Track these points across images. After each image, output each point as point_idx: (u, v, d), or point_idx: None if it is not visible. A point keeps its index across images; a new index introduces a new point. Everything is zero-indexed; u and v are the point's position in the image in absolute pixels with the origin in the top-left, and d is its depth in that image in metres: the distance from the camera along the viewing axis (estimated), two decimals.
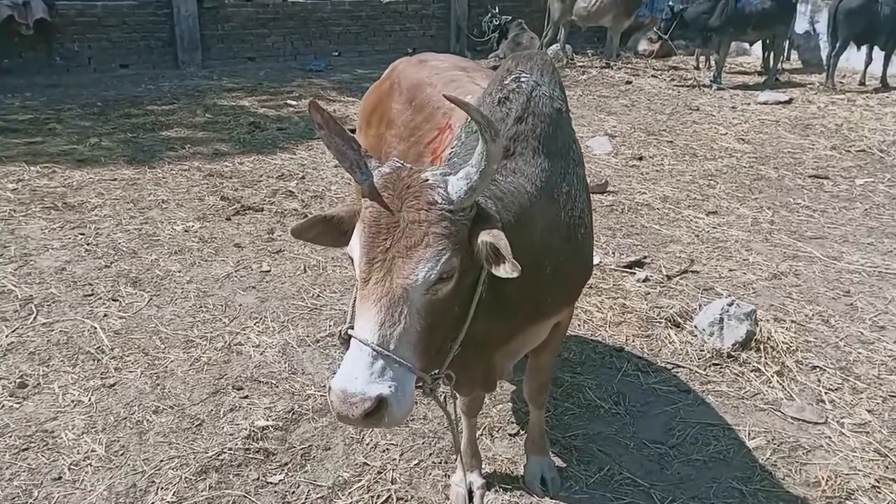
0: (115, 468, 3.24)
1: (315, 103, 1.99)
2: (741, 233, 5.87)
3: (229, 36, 12.80)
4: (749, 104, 10.68)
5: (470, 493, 3.06)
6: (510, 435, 3.48)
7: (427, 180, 1.95)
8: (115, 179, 6.86)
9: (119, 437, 3.43)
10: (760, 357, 4.04)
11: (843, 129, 9.11)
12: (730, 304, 4.18)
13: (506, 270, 1.90)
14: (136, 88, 10.82)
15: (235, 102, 10.13)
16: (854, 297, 4.76)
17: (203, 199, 6.43)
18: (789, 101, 10.67)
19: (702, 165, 7.71)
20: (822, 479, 3.18)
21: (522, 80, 2.55)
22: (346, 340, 1.97)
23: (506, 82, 2.57)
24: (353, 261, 2.00)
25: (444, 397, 2.37)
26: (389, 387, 1.85)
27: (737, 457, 3.34)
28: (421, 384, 2.05)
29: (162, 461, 3.28)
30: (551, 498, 3.09)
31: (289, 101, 10.19)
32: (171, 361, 4.02)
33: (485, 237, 1.94)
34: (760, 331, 4.16)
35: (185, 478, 3.18)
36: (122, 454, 3.33)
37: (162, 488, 3.13)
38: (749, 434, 3.49)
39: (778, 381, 3.86)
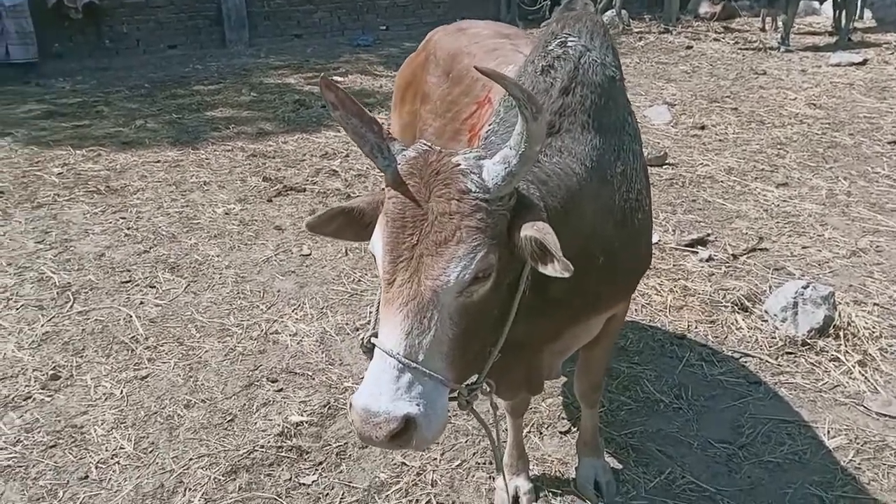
0: (143, 466, 3.09)
1: (327, 80, 1.72)
2: (815, 206, 5.42)
3: (276, 13, 12.63)
4: (820, 66, 10.03)
5: (516, 499, 2.81)
6: (561, 433, 3.21)
7: (458, 165, 1.68)
8: (158, 161, 6.76)
9: (149, 433, 3.27)
10: (840, 345, 3.66)
11: None
12: (805, 287, 3.80)
13: (555, 270, 1.63)
14: (184, 69, 10.75)
15: (281, 80, 9.96)
16: None
17: (245, 181, 6.27)
18: (863, 63, 9.98)
19: (770, 133, 7.21)
20: None
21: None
22: (369, 349, 1.73)
23: (550, 48, 2.26)
24: (375, 259, 1.76)
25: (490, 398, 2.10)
26: (418, 405, 1.61)
27: (815, 458, 3.00)
28: (456, 396, 1.79)
29: (191, 459, 3.11)
30: None
31: (335, 78, 9.97)
32: (206, 351, 3.86)
33: (528, 231, 1.67)
34: (839, 315, 3.77)
35: (215, 478, 3.00)
36: (151, 451, 3.17)
37: (190, 489, 2.96)
38: (828, 432, 3.14)
39: (860, 372, 3.48)
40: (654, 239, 4.88)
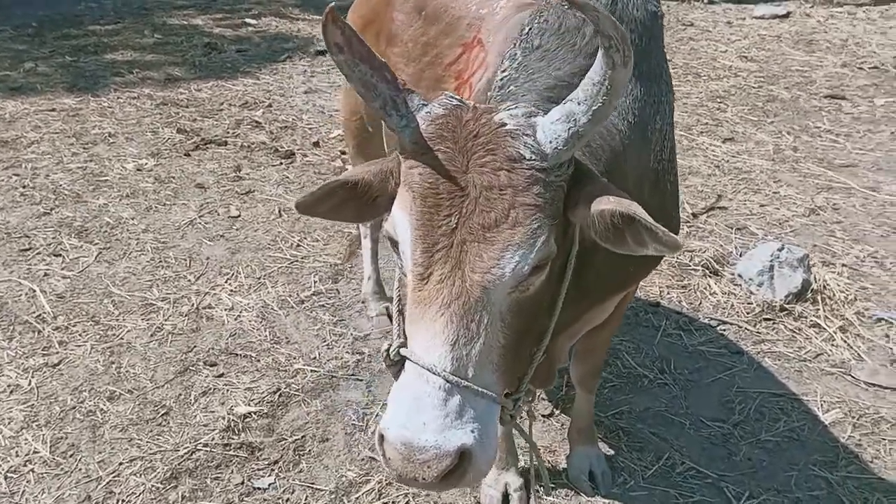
0: (63, 475, 2.62)
1: (334, 13, 1.31)
2: (765, 161, 5.29)
3: None
4: (745, 19, 9.96)
5: (506, 496, 2.51)
6: (544, 416, 2.92)
7: (504, 125, 1.32)
8: (53, 110, 5.99)
9: (67, 434, 2.79)
10: (818, 310, 3.51)
11: (849, 45, 8.48)
12: (780, 249, 3.63)
13: (655, 248, 1.31)
14: (76, 6, 9.68)
15: (187, 21, 9.11)
16: None
17: (157, 132, 5.63)
18: (787, 15, 9.97)
19: (707, 86, 7.05)
20: None
21: None
22: (396, 362, 1.37)
23: None
24: (396, 245, 1.38)
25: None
26: (472, 431, 1.27)
27: (812, 435, 2.83)
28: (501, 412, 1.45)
29: (121, 464, 2.67)
30: (603, 497, 2.56)
31: (247, 20, 9.20)
32: (128, 331, 3.36)
33: (608, 206, 1.33)
34: (815, 279, 3.62)
35: (152, 486, 2.57)
36: (71, 455, 2.71)
37: (122, 500, 2.53)
38: (821, 405, 2.98)
39: (842, 339, 3.34)
40: None
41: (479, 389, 1.29)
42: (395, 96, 1.37)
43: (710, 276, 3.80)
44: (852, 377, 3.12)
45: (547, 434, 2.84)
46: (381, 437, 1.29)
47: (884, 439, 2.80)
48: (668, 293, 3.69)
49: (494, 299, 1.31)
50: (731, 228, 4.33)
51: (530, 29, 1.80)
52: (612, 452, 2.74)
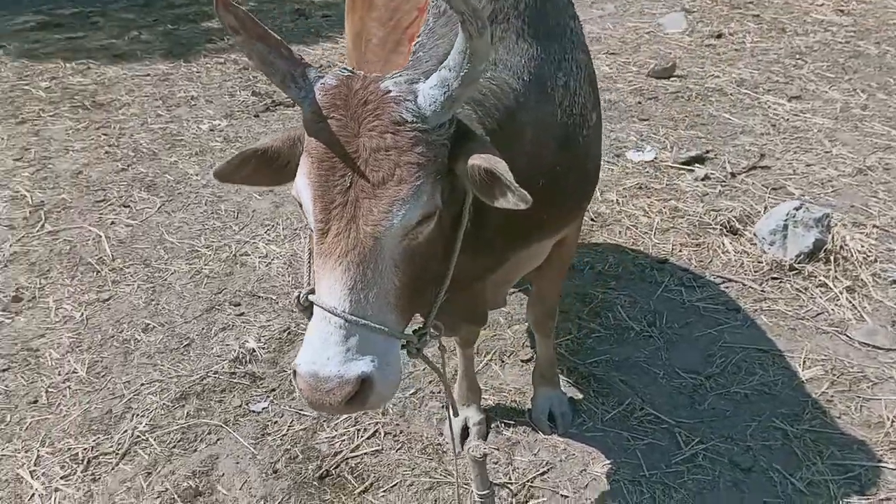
0: (93, 392, 3.04)
1: (224, 1, 1.47)
2: (826, 120, 5.08)
3: None
4: None
5: (465, 429, 2.72)
6: (522, 361, 3.08)
7: (389, 92, 1.49)
8: (147, 75, 6.56)
9: (103, 358, 3.22)
10: (830, 270, 3.44)
11: None
12: (797, 209, 3.56)
13: (510, 202, 1.46)
14: None
15: None
16: None
17: (234, 95, 6.06)
18: None
19: (790, 42, 6.74)
20: (888, 419, 2.66)
21: None
22: (306, 307, 1.58)
23: None
24: (301, 206, 1.57)
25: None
26: (371, 361, 1.46)
27: (785, 390, 2.85)
28: (405, 345, 1.65)
29: (143, 385, 3.06)
30: (559, 436, 2.71)
31: None
32: (172, 273, 3.76)
33: (475, 161, 1.50)
34: (833, 239, 3.54)
35: (164, 404, 2.95)
36: (103, 376, 3.13)
37: (137, 415, 2.92)
38: (804, 362, 2.97)
39: (847, 299, 3.28)
40: (650, 157, 4.64)
41: (376, 326, 1.47)
42: (292, 71, 1.54)
43: (726, 235, 3.78)
44: (847, 336, 3.08)
45: (522, 378, 3.00)
46: (294, 372, 1.49)
47: (858, 397, 2.77)
48: (681, 251, 3.71)
49: (386, 247, 1.48)
50: (767, 188, 4.25)
51: None
52: (579, 396, 2.87)
